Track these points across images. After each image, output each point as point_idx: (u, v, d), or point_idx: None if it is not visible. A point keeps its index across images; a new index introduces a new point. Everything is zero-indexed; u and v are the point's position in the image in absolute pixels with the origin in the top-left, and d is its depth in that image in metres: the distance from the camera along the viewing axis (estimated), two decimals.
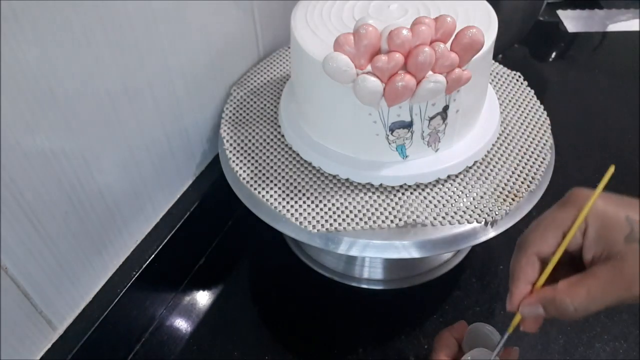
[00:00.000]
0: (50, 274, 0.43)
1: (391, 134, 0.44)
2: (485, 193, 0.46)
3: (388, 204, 0.45)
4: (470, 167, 0.48)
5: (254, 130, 0.53)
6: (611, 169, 0.32)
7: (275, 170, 0.49)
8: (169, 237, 0.53)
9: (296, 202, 0.46)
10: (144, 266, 0.50)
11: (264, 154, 0.50)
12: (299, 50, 0.44)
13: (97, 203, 0.45)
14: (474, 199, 0.46)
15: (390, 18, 0.45)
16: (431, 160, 0.46)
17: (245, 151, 0.51)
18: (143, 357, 0.53)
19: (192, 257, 0.60)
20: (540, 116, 0.53)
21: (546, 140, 0.51)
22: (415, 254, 0.44)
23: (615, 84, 0.83)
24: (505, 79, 0.58)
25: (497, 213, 0.44)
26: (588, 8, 1.00)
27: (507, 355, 0.42)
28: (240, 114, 0.55)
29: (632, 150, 0.72)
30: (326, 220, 0.45)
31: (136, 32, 0.43)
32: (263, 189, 0.47)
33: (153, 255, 0.51)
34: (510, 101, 0.55)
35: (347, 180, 0.47)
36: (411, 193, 0.46)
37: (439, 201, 0.46)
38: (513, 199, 0.46)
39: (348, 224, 0.44)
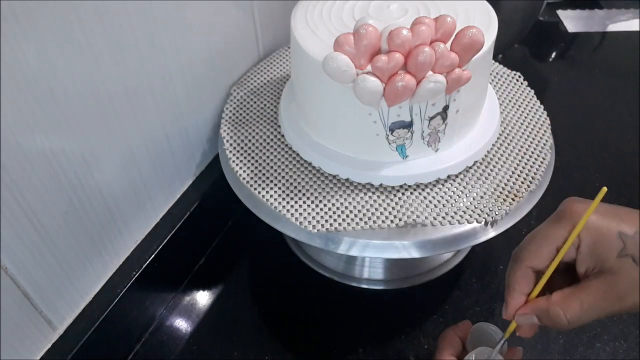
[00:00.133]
0: (50, 274, 0.43)
1: (391, 134, 0.44)
2: (485, 193, 0.46)
3: (388, 204, 0.45)
4: (470, 167, 0.48)
5: (254, 130, 0.53)
6: (603, 191, 0.33)
7: (275, 170, 0.49)
8: (169, 237, 0.53)
9: (296, 202, 0.46)
10: (144, 266, 0.50)
11: (264, 154, 0.50)
12: (299, 50, 0.44)
13: (97, 203, 0.45)
14: (474, 199, 0.46)
15: (390, 18, 0.45)
16: (431, 160, 0.46)
17: (245, 151, 0.51)
18: (143, 357, 0.53)
19: (192, 257, 0.60)
20: (540, 116, 0.53)
21: (546, 140, 0.51)
22: (415, 254, 0.44)
23: (615, 84, 0.83)
24: (505, 79, 0.58)
25: (497, 213, 0.44)
26: (588, 8, 1.00)
27: (511, 355, 0.42)
28: (240, 114, 0.55)
29: (632, 150, 0.72)
30: (326, 220, 0.45)
31: (136, 32, 0.43)
32: (263, 189, 0.47)
33: (153, 255, 0.51)
34: (510, 101, 0.55)
35: (347, 180, 0.47)
36: (411, 193, 0.46)
37: (439, 201, 0.46)
38: (513, 199, 0.46)
39: (348, 224, 0.44)
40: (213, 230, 0.63)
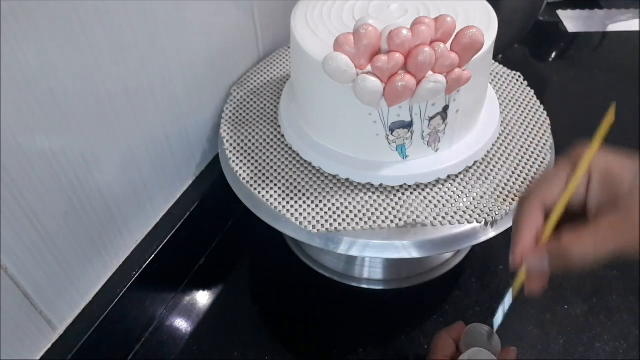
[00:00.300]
0: (50, 274, 0.43)
1: (391, 134, 0.44)
2: (485, 193, 0.46)
3: (388, 204, 0.45)
4: (470, 167, 0.48)
5: (254, 130, 0.53)
6: (613, 108, 0.31)
7: (275, 170, 0.49)
8: (169, 237, 0.53)
9: (296, 202, 0.46)
10: (144, 266, 0.50)
11: (264, 154, 0.50)
12: (299, 50, 0.44)
13: (97, 203, 0.45)
14: (474, 199, 0.46)
15: (390, 18, 0.45)
16: (431, 160, 0.46)
17: (245, 151, 0.51)
18: (143, 357, 0.53)
19: (192, 257, 0.60)
20: (540, 116, 0.53)
21: (546, 140, 0.51)
22: (415, 254, 0.44)
23: (615, 84, 0.83)
24: (505, 79, 0.58)
25: (497, 213, 0.44)
26: (588, 8, 0.99)
27: (504, 354, 0.42)
28: (240, 114, 0.55)
29: (632, 150, 0.71)
30: (326, 220, 0.45)
31: (136, 32, 0.43)
32: (263, 189, 0.47)
33: (153, 255, 0.51)
34: (510, 101, 0.55)
35: (347, 180, 0.47)
36: (411, 193, 0.46)
37: (439, 201, 0.46)
38: (513, 199, 0.46)
39: (348, 224, 0.44)
40: (213, 230, 0.63)
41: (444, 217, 0.44)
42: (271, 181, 0.48)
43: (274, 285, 0.59)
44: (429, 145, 0.46)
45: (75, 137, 0.41)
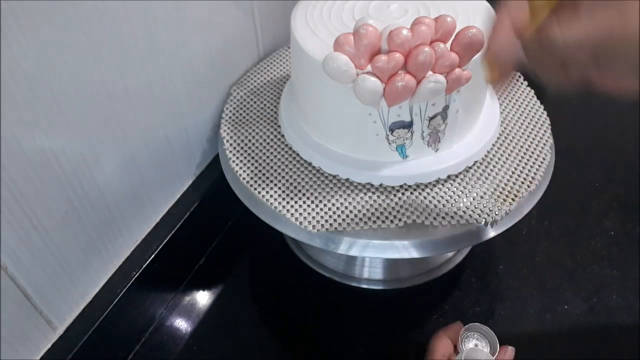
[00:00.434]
0: (50, 274, 0.43)
1: (391, 134, 0.44)
2: (485, 193, 0.46)
3: (388, 204, 0.45)
4: (470, 167, 0.48)
5: (254, 130, 0.53)
6: None
7: (275, 170, 0.49)
8: (169, 237, 0.53)
9: (296, 202, 0.46)
10: (144, 266, 0.50)
11: (264, 154, 0.50)
12: (299, 50, 0.44)
13: (97, 203, 0.45)
14: (474, 199, 0.46)
15: (390, 18, 0.45)
16: (431, 160, 0.46)
17: (245, 151, 0.51)
18: (143, 357, 0.53)
19: (192, 257, 0.60)
20: (540, 116, 0.53)
21: (546, 140, 0.51)
22: (415, 254, 0.44)
23: None
24: None
25: (497, 213, 0.44)
26: None
27: (502, 354, 0.42)
28: (240, 114, 0.55)
29: (632, 150, 0.72)
30: (326, 220, 0.45)
31: (136, 32, 0.43)
32: (263, 189, 0.47)
33: (153, 255, 0.51)
34: (510, 101, 0.55)
35: (347, 180, 0.47)
36: (411, 193, 0.46)
37: (439, 201, 0.46)
38: (513, 199, 0.46)
39: (348, 224, 0.44)
40: (213, 230, 0.63)
41: (444, 217, 0.44)
42: (271, 181, 0.48)
43: (274, 285, 0.59)
44: (429, 145, 0.46)
45: (75, 137, 0.41)
